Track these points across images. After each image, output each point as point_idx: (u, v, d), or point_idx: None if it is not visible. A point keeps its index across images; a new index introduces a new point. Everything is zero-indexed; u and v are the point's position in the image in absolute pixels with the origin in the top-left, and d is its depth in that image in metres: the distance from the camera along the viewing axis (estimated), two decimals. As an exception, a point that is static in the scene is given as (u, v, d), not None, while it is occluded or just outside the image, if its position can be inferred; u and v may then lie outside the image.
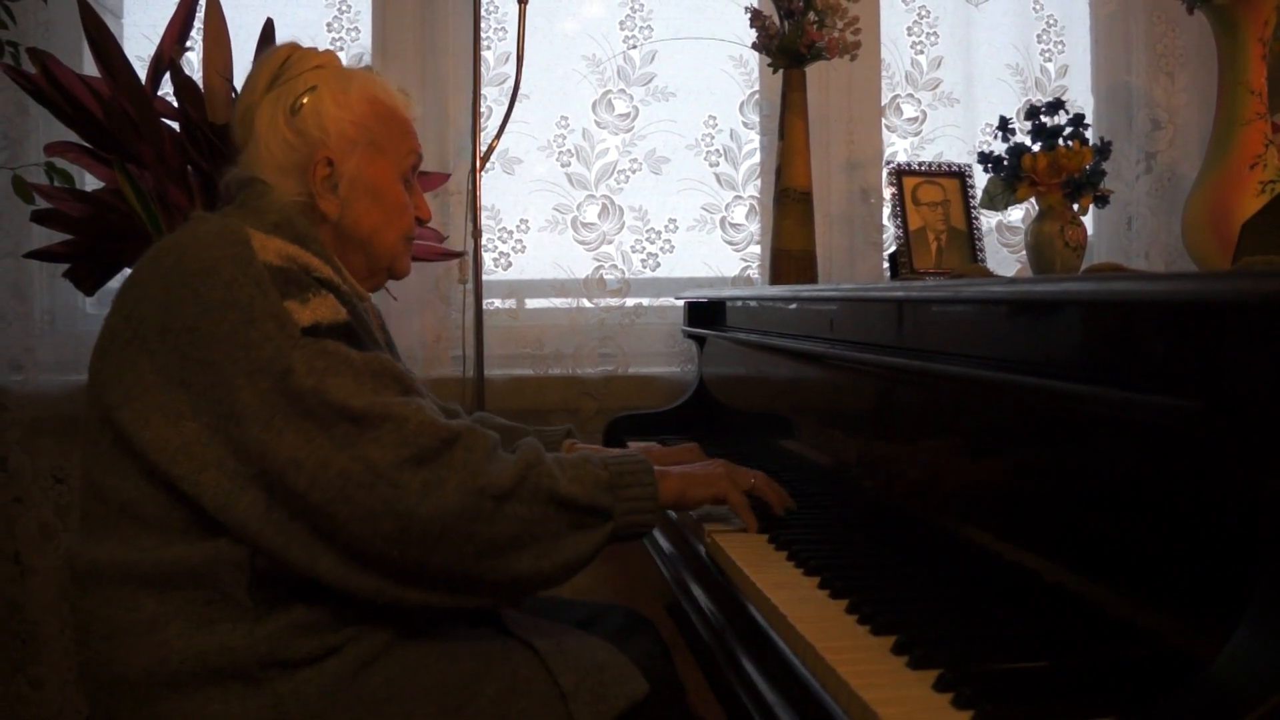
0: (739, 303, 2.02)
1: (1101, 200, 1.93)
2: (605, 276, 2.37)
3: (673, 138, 2.41)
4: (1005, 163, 1.91)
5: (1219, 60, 1.92)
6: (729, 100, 2.43)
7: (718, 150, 2.42)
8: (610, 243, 2.38)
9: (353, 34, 2.32)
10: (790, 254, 2.12)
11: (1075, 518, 0.87)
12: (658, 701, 1.21)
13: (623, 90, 2.39)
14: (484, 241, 2.21)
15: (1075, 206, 1.92)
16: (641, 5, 2.39)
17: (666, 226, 2.40)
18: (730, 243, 2.43)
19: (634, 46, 2.39)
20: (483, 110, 2.19)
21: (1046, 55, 2.49)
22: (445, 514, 1.05)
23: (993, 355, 0.99)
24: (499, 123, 2.18)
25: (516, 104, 2.18)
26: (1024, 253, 2.10)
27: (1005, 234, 2.48)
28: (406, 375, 1.17)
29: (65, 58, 1.93)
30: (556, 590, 1.18)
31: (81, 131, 1.86)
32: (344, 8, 2.32)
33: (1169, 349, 0.75)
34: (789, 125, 2.11)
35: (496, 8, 2.33)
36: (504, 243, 2.36)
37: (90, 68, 2.02)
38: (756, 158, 2.43)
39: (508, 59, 2.30)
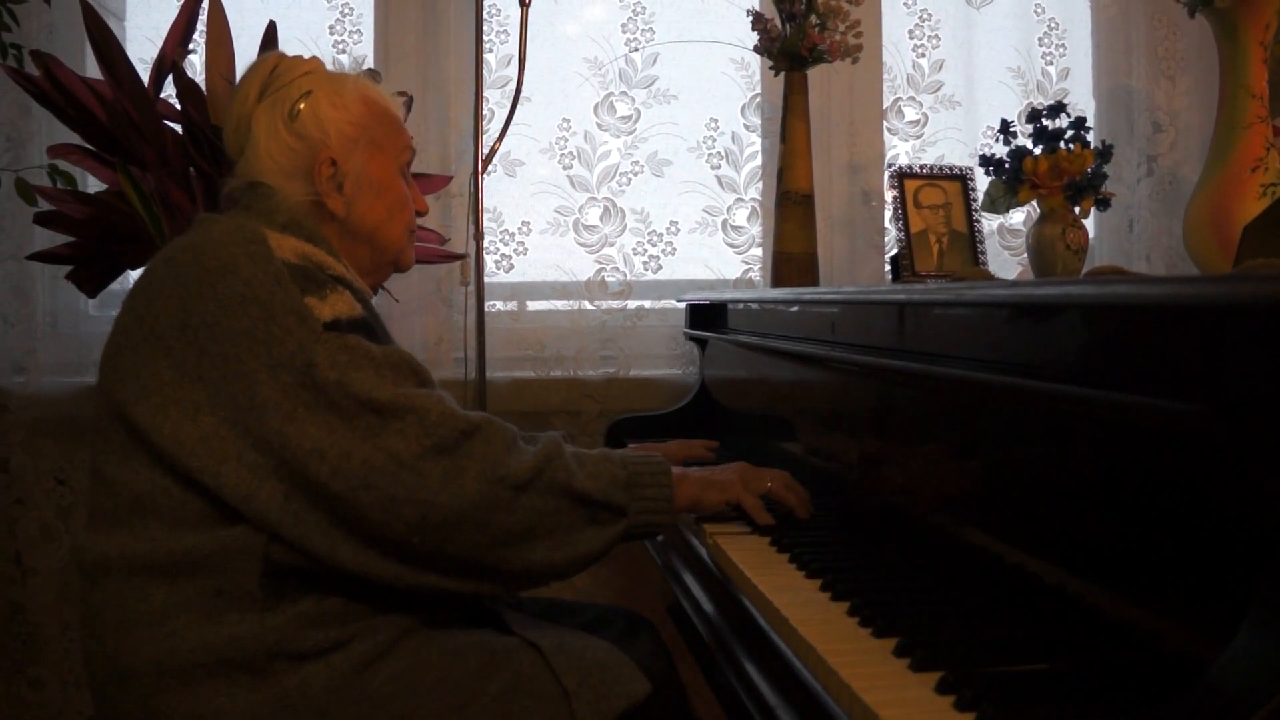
0: (740, 305, 2.02)
1: (1103, 203, 1.93)
2: (607, 279, 2.37)
3: (674, 140, 2.41)
4: (1007, 166, 1.91)
5: (1220, 64, 1.92)
6: (731, 103, 2.43)
7: (719, 153, 2.43)
8: (612, 245, 2.38)
9: (355, 37, 2.32)
10: (792, 256, 2.12)
11: (1077, 521, 0.87)
12: (659, 701, 1.22)
13: (624, 93, 2.39)
14: (486, 244, 2.22)
15: (1076, 209, 1.91)
16: (643, 8, 2.39)
17: (668, 229, 2.41)
18: (732, 245, 2.43)
19: (636, 49, 2.39)
20: (485, 113, 2.19)
21: (1048, 58, 2.49)
22: (464, 502, 1.09)
23: (994, 358, 0.99)
24: (501, 125, 2.19)
25: (518, 106, 2.19)
26: (1025, 256, 2.10)
27: (1007, 237, 2.48)
28: (424, 369, 1.19)
29: (68, 60, 1.93)
30: (559, 590, 1.19)
31: (84, 133, 1.86)
32: (346, 10, 2.32)
33: (1170, 352, 0.75)
34: (790, 128, 2.12)
35: (498, 10, 2.33)
36: (506, 245, 2.36)
37: (93, 70, 2.03)
38: (758, 160, 2.43)
39: (510, 62, 2.30)
